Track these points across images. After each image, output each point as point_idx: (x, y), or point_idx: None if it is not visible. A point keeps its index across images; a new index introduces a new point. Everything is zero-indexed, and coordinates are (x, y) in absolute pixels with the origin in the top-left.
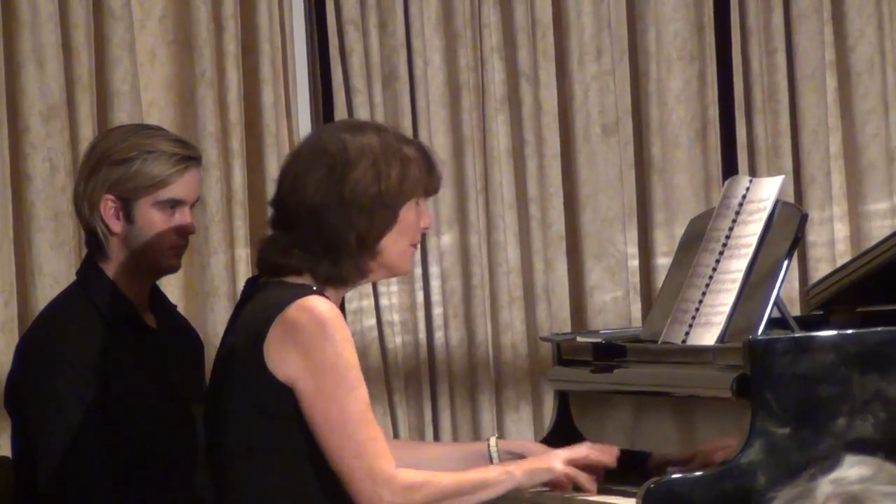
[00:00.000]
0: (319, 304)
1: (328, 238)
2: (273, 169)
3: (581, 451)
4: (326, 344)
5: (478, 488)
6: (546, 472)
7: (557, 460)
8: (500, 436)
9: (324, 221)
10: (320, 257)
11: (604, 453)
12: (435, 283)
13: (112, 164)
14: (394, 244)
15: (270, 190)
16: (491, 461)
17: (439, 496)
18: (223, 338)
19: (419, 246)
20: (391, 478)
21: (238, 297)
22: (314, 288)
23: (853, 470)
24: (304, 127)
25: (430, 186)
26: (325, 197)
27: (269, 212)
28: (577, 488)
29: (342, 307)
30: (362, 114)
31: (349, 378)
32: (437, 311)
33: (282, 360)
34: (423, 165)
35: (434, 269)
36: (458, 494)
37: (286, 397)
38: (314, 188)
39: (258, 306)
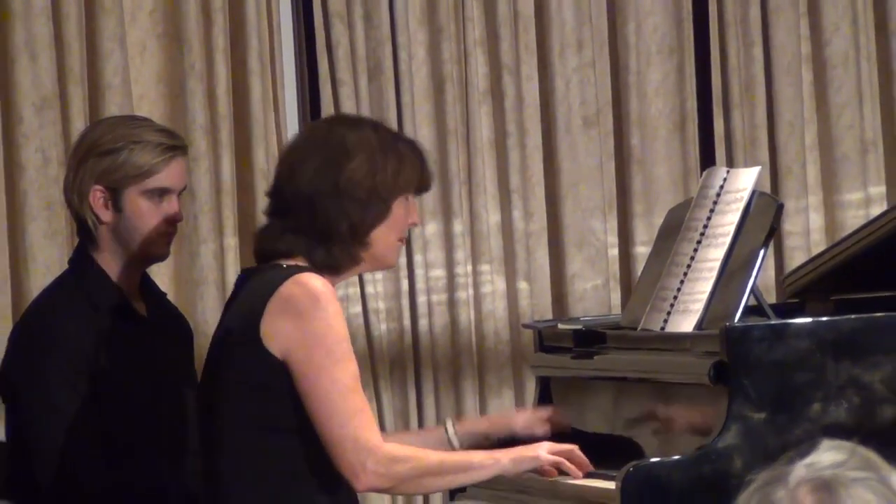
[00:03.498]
0: (312, 279)
1: (321, 225)
2: (261, 160)
3: (567, 445)
4: (318, 315)
5: (461, 470)
6: (532, 461)
7: (543, 450)
8: None
9: (318, 208)
10: (314, 243)
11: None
12: (419, 272)
13: (100, 155)
14: (384, 237)
15: (259, 180)
16: (451, 445)
17: (422, 471)
18: (219, 323)
19: (408, 234)
20: (375, 448)
21: (227, 285)
22: (308, 267)
23: (827, 455)
24: (292, 119)
25: (421, 184)
26: (321, 185)
27: (266, 201)
28: (563, 473)
29: None
30: (348, 106)
31: (339, 350)
32: (422, 298)
33: (276, 332)
34: (417, 163)
35: (418, 258)
36: (440, 473)
37: (280, 372)
38: (310, 176)
39: (254, 287)
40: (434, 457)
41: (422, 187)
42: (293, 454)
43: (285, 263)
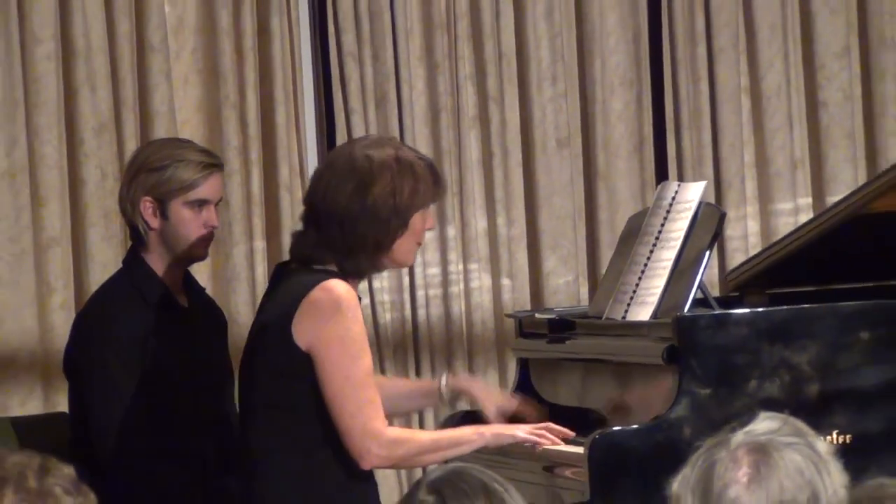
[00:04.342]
0: (338, 286)
1: (351, 241)
2: (285, 175)
3: (541, 424)
4: (339, 318)
5: (452, 446)
6: (510, 438)
7: (521, 430)
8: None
9: (349, 227)
10: (343, 255)
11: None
12: (418, 270)
13: (149, 171)
14: (404, 244)
15: (283, 192)
16: (441, 396)
17: (418, 450)
18: (257, 314)
19: None
20: (380, 435)
21: (256, 281)
22: (336, 273)
23: (762, 424)
24: (311, 141)
25: (436, 195)
26: (350, 208)
27: (303, 208)
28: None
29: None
30: (359, 130)
31: (354, 348)
32: (420, 292)
33: (304, 330)
34: (430, 179)
35: (418, 258)
36: (434, 450)
37: (306, 364)
38: (341, 200)
39: (289, 288)
40: (427, 436)
41: (436, 198)
42: (313, 432)
43: (317, 267)
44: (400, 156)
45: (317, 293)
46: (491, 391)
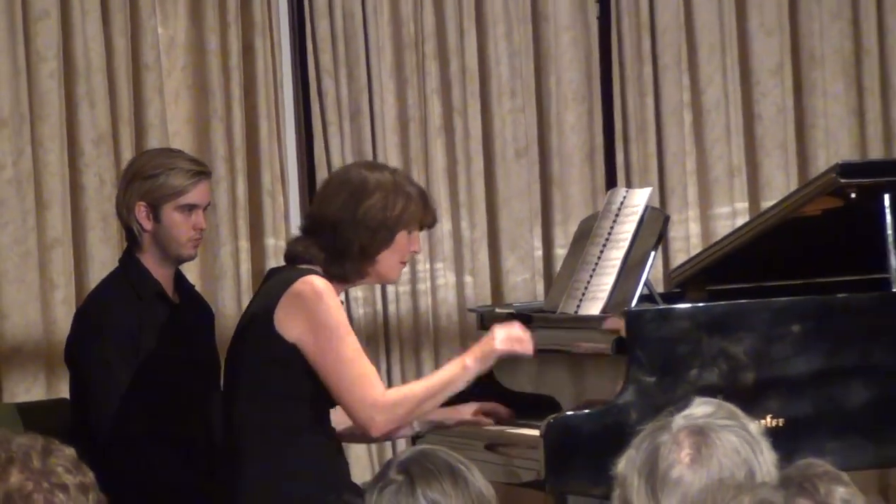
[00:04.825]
0: (317, 280)
1: (339, 245)
2: (267, 182)
3: (514, 330)
4: (321, 307)
5: (445, 387)
6: (492, 353)
7: (497, 341)
8: None
9: (339, 232)
10: (331, 258)
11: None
12: None
13: (143, 179)
14: (387, 259)
15: (265, 198)
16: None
17: (417, 403)
18: (247, 308)
19: None
20: (379, 401)
21: (241, 279)
22: (317, 270)
23: (700, 408)
24: (291, 150)
25: (424, 221)
26: (343, 214)
27: (302, 220)
28: (499, 422)
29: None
30: (335, 141)
31: (340, 330)
32: (391, 289)
33: (288, 322)
34: (421, 205)
35: None
36: (429, 397)
37: (290, 354)
38: (336, 207)
39: (274, 283)
40: (420, 386)
41: (425, 223)
42: (292, 416)
43: (302, 266)
44: (396, 179)
45: (298, 286)
46: (455, 409)
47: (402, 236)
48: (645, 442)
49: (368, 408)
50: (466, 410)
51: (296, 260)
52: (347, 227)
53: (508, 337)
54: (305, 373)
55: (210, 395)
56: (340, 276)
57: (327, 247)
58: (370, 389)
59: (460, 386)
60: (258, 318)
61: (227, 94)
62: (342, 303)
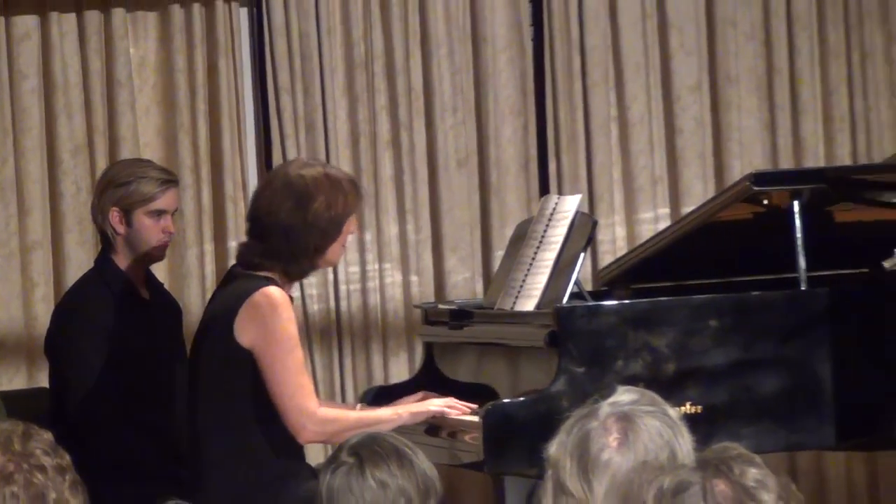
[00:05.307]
0: (275, 292)
1: (295, 249)
2: (230, 190)
3: (448, 400)
4: (275, 320)
5: (374, 424)
6: (424, 414)
7: (432, 405)
8: (385, 375)
9: (293, 238)
10: (289, 261)
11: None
12: (341, 268)
13: (116, 186)
14: (335, 247)
15: (228, 204)
16: None
17: (346, 428)
18: (207, 305)
19: None
20: (313, 413)
21: (206, 278)
22: (274, 279)
23: (625, 396)
24: (252, 161)
25: (358, 205)
26: (293, 221)
27: (245, 220)
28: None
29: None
30: (292, 152)
31: (290, 344)
32: (343, 287)
33: (245, 330)
34: (355, 192)
35: (341, 258)
36: (358, 427)
37: (246, 358)
38: (286, 215)
39: (235, 290)
40: (354, 415)
41: (359, 209)
42: (249, 412)
43: (261, 273)
44: (328, 173)
45: (257, 297)
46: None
47: (347, 225)
48: (575, 427)
49: (303, 416)
50: (434, 403)
51: (253, 267)
52: (300, 231)
53: (442, 402)
54: (257, 373)
55: (177, 384)
56: (298, 274)
57: (282, 251)
58: (307, 401)
59: (387, 428)
60: (219, 320)
61: (193, 109)
62: (298, 296)
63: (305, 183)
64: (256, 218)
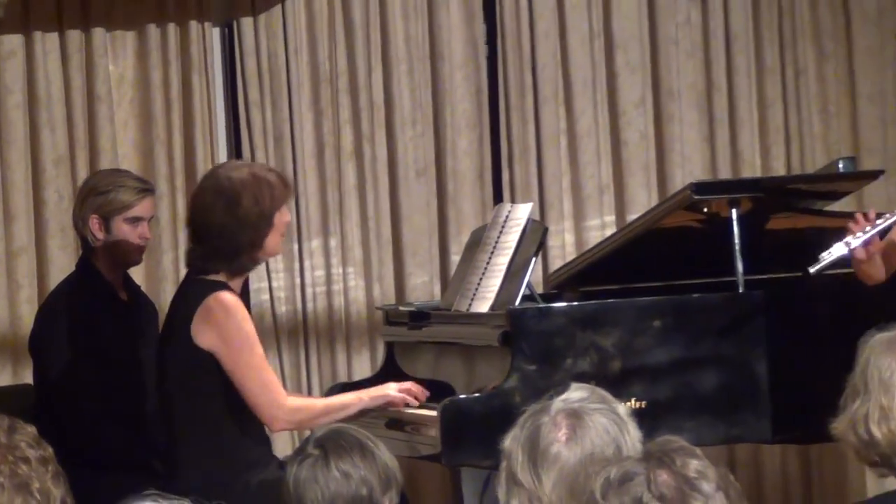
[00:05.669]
0: (226, 296)
1: (231, 247)
2: None
3: (405, 384)
4: (231, 322)
5: (340, 410)
6: (383, 398)
7: (391, 389)
8: (348, 372)
9: (227, 236)
10: (228, 259)
11: (417, 389)
12: (307, 272)
13: (96, 195)
14: (272, 239)
15: None
16: None
17: (315, 415)
18: (167, 312)
19: (299, 246)
20: (283, 405)
21: (179, 281)
22: (224, 283)
23: (575, 393)
24: None
25: (287, 198)
26: (225, 220)
27: (188, 230)
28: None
29: (247, 286)
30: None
31: (249, 342)
32: (309, 290)
33: (202, 334)
34: (281, 184)
35: (307, 263)
36: (326, 413)
37: (207, 359)
38: (218, 216)
39: (188, 296)
40: (320, 403)
41: (288, 200)
42: (218, 408)
43: (210, 278)
44: (254, 172)
45: (209, 302)
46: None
47: (277, 217)
48: (527, 422)
49: (273, 409)
50: (392, 387)
51: (201, 272)
52: (233, 230)
53: (402, 387)
54: (221, 372)
55: (152, 381)
56: (240, 270)
57: (220, 251)
58: (275, 395)
59: (352, 412)
60: (177, 325)
61: (169, 123)
62: (267, 299)
63: (233, 183)
64: (193, 222)
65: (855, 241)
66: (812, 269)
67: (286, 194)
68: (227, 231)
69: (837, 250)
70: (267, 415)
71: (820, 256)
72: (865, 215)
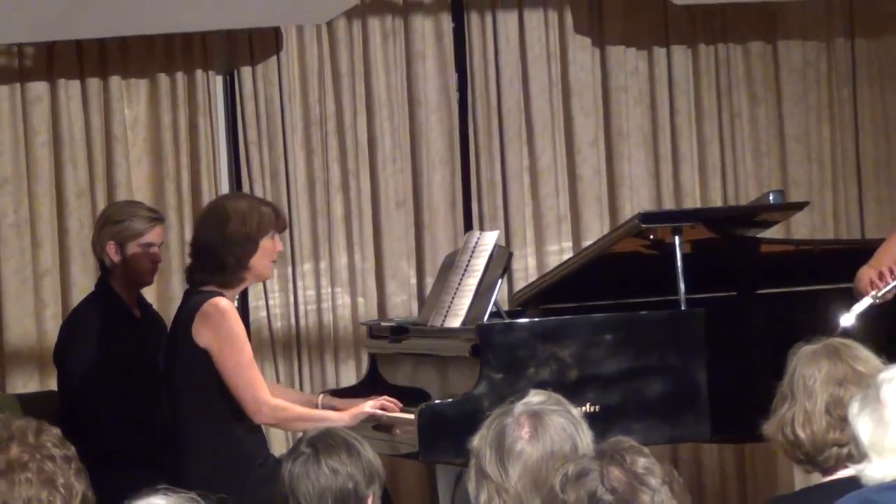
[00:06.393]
0: (221, 301)
1: (219, 262)
2: None
3: (379, 400)
4: (224, 324)
5: (318, 421)
6: (363, 415)
7: (367, 406)
8: (336, 380)
9: (213, 252)
10: (215, 273)
11: (390, 402)
12: (300, 291)
13: (113, 224)
14: (259, 262)
15: None
16: (317, 407)
17: (294, 417)
18: (174, 321)
19: (293, 269)
20: (266, 401)
21: None
22: (219, 292)
23: (535, 397)
24: None
25: (278, 226)
26: (215, 239)
27: (190, 249)
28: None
29: (245, 303)
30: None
31: (238, 343)
32: (301, 307)
33: (200, 335)
34: (272, 215)
35: (300, 284)
36: (305, 420)
37: (205, 358)
38: (209, 235)
39: (189, 306)
40: (301, 410)
41: (279, 228)
42: (219, 403)
43: (205, 289)
44: (250, 201)
45: (206, 308)
46: (351, 403)
47: (265, 242)
48: (494, 423)
49: (258, 403)
50: (368, 404)
51: (197, 284)
52: (220, 247)
53: (376, 403)
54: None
55: (162, 387)
56: (228, 284)
57: (211, 266)
58: (259, 391)
59: (329, 425)
60: (180, 330)
61: (177, 160)
62: (264, 316)
63: (227, 208)
64: (192, 240)
65: (881, 294)
66: (843, 320)
67: (276, 224)
68: (214, 247)
69: (865, 302)
70: (251, 408)
71: (852, 309)
72: (884, 273)
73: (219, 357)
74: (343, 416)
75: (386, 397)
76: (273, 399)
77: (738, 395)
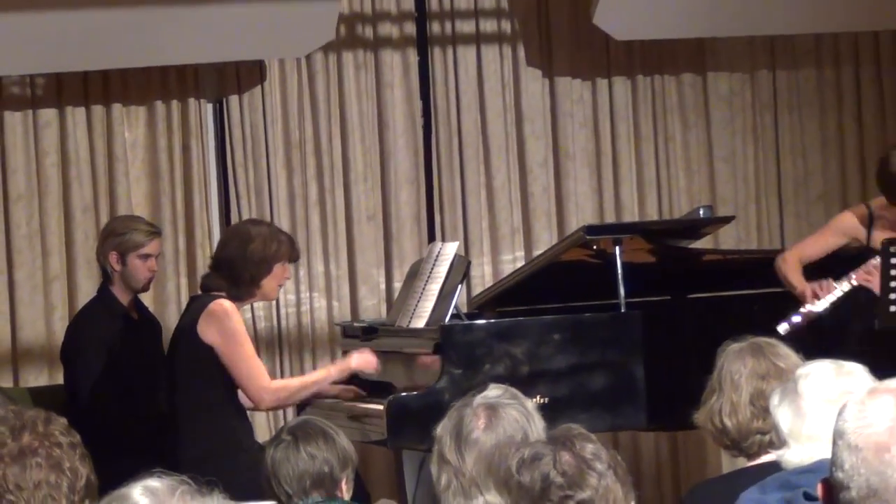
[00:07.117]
0: (224, 301)
1: (235, 275)
2: (200, 237)
3: (363, 353)
4: (228, 321)
5: (314, 384)
6: (347, 369)
7: (353, 360)
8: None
9: (234, 267)
10: (231, 285)
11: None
12: (282, 296)
13: (114, 236)
14: (268, 283)
15: (198, 250)
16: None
17: (294, 391)
18: (179, 322)
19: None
20: (267, 387)
21: (180, 303)
22: (224, 295)
23: (492, 392)
24: (215, 217)
25: (292, 256)
26: (236, 255)
27: (208, 261)
28: (354, 400)
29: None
30: (245, 213)
31: (240, 338)
32: (283, 310)
33: (206, 331)
34: (288, 246)
35: (281, 289)
36: (302, 389)
37: (209, 353)
38: (232, 250)
39: (196, 305)
40: (296, 380)
41: (292, 258)
42: (215, 395)
43: (213, 293)
44: (272, 228)
45: (212, 306)
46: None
47: (278, 267)
48: (454, 414)
49: (261, 391)
50: (353, 357)
51: (210, 289)
52: (240, 263)
53: (360, 359)
54: (220, 366)
55: (158, 383)
56: (238, 297)
57: (228, 278)
58: (261, 380)
59: (324, 385)
60: (186, 329)
61: (172, 179)
62: (250, 317)
63: (250, 231)
64: (214, 255)
65: (821, 303)
66: (780, 329)
67: (290, 253)
68: (234, 264)
69: (808, 308)
70: (255, 396)
71: (792, 317)
72: (822, 284)
73: (224, 350)
74: (330, 370)
75: (368, 350)
76: (272, 384)
77: (671, 388)
